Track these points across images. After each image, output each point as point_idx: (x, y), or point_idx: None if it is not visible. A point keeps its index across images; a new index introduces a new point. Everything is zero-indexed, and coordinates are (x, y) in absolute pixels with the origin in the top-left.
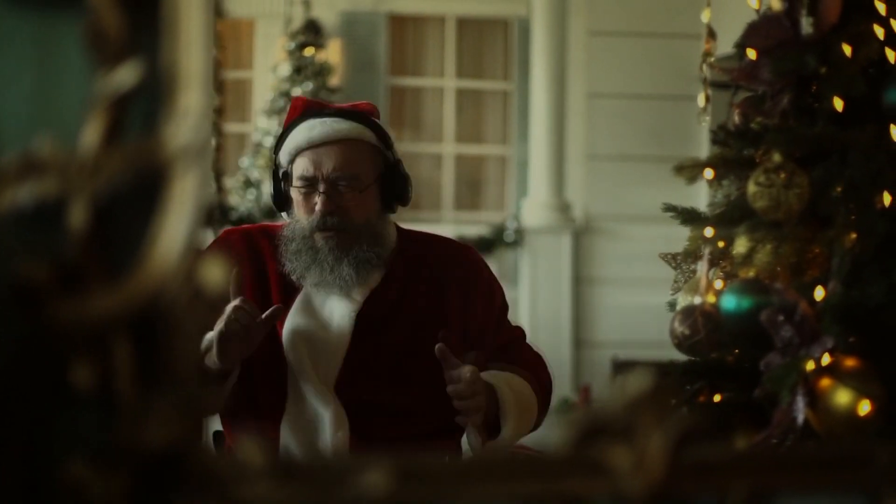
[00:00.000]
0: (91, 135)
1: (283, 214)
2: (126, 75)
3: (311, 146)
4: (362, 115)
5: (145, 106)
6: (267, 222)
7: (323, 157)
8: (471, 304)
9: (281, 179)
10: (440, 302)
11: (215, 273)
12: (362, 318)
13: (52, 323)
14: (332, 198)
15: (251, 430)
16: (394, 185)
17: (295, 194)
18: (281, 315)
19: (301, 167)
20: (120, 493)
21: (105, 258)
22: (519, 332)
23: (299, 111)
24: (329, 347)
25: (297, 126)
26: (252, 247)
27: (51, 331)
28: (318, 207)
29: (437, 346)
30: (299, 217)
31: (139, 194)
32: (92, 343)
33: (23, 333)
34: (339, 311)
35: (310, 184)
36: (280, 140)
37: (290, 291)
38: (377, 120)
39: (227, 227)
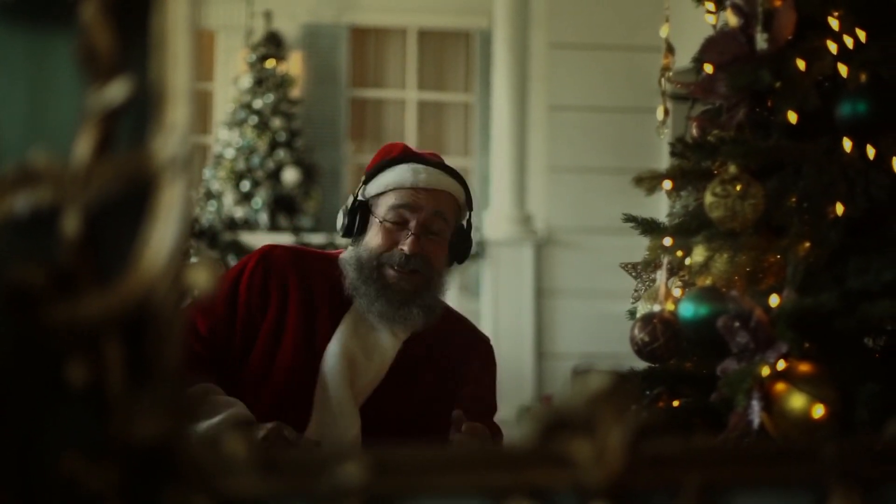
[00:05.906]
0: (83, 147)
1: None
2: (116, 91)
3: (414, 188)
4: (458, 174)
5: (134, 120)
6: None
7: (423, 202)
8: (477, 392)
9: (358, 209)
10: (454, 378)
11: (202, 277)
12: (402, 356)
13: (46, 324)
14: (420, 241)
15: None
16: (462, 244)
17: (378, 227)
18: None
19: (397, 202)
20: (111, 485)
21: (97, 263)
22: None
23: (396, 153)
24: (368, 373)
25: (396, 165)
26: (298, 263)
27: (45, 331)
28: (405, 247)
29: (454, 412)
30: (372, 247)
31: (129, 203)
32: (84, 343)
33: (19, 334)
34: (384, 342)
35: (402, 221)
36: (373, 173)
37: (337, 311)
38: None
39: (270, 243)
